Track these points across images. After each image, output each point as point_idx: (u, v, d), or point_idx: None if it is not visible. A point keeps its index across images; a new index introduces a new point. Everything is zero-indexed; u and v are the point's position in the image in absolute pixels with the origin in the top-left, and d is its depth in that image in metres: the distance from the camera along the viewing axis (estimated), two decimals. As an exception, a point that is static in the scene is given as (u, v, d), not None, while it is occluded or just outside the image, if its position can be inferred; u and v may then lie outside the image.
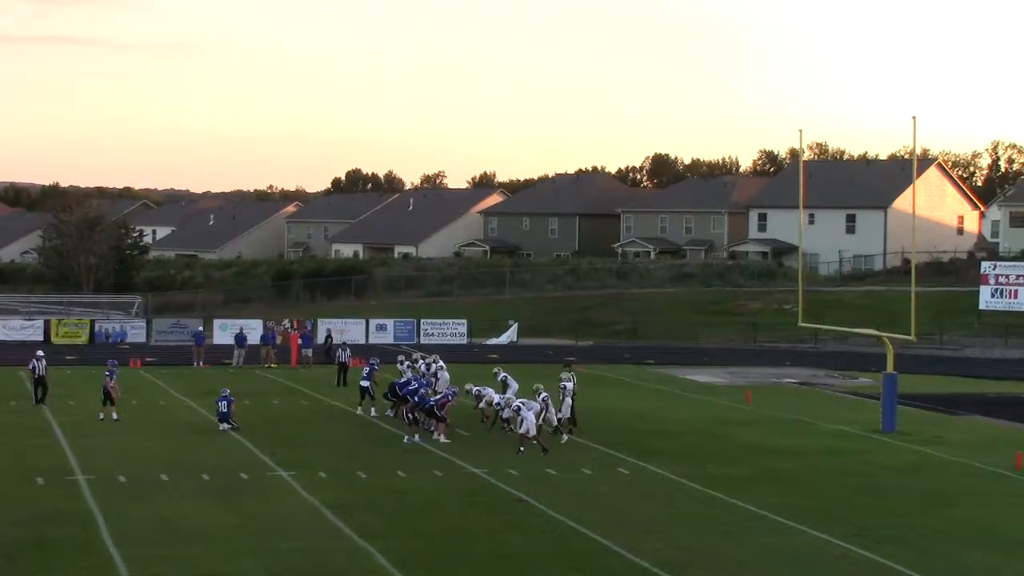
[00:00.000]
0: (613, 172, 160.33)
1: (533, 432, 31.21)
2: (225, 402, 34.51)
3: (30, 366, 39.59)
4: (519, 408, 31.86)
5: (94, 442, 32.10)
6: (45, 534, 22.30)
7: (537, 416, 31.87)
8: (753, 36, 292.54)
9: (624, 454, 31.27)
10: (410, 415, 33.47)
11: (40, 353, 40.01)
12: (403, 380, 36.24)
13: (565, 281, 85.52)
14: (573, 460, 30.34)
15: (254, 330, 57.52)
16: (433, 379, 37.26)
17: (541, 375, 49.87)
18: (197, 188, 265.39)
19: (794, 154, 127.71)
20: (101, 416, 35.77)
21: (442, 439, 32.56)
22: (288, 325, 59.30)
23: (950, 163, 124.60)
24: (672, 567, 20.79)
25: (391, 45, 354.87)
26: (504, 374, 36.46)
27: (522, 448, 30.99)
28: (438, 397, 33.65)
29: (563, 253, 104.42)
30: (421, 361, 39.16)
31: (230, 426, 34.06)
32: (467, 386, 35.86)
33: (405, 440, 32.49)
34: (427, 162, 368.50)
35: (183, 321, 65.03)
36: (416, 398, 33.52)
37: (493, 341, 64.43)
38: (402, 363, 39.10)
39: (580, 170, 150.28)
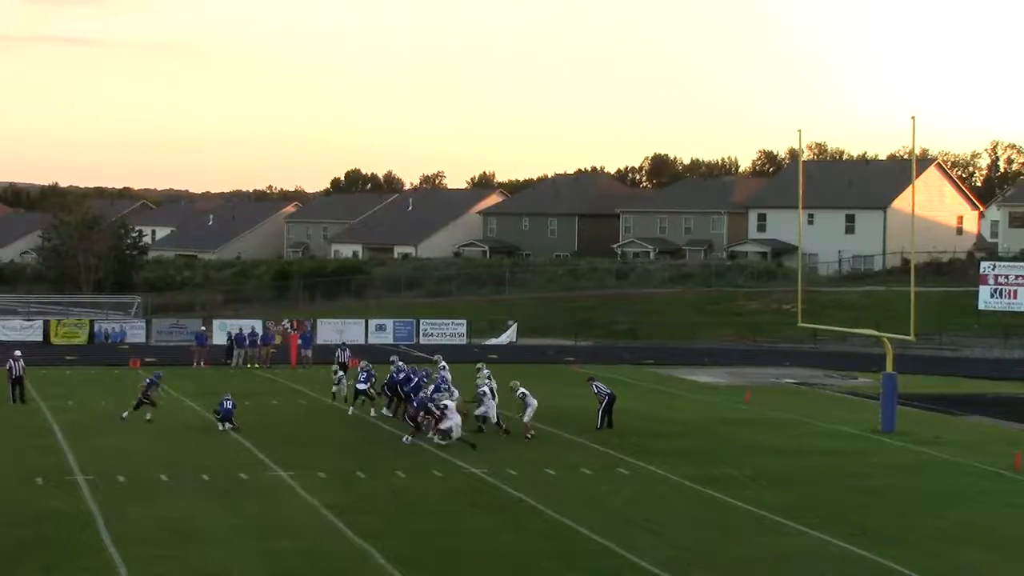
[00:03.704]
0: (612, 172, 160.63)
1: (494, 419, 32.89)
2: (229, 402, 34.54)
3: (7, 366, 39.50)
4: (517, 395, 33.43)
5: (94, 442, 32.08)
6: (45, 534, 22.29)
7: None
8: (753, 36, 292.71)
9: (624, 454, 31.28)
10: (412, 420, 33.44)
11: (17, 353, 39.85)
12: (402, 377, 36.23)
13: (564, 281, 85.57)
14: (573, 460, 30.36)
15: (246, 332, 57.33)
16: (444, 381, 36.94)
17: (540, 375, 50.04)
18: (196, 188, 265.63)
19: (793, 154, 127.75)
20: (125, 415, 35.56)
21: (436, 439, 32.59)
22: (288, 325, 59.30)
23: (949, 163, 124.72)
24: (672, 567, 20.79)
25: (391, 45, 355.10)
26: (523, 390, 34.66)
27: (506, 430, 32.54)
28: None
29: (562, 253, 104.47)
30: (443, 362, 39.03)
31: (231, 426, 34.06)
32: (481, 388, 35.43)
33: (404, 440, 32.44)
34: (427, 162, 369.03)
35: (183, 321, 65.02)
36: (415, 402, 33.60)
37: (493, 341, 64.43)
38: (394, 363, 38.85)
39: (579, 170, 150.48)
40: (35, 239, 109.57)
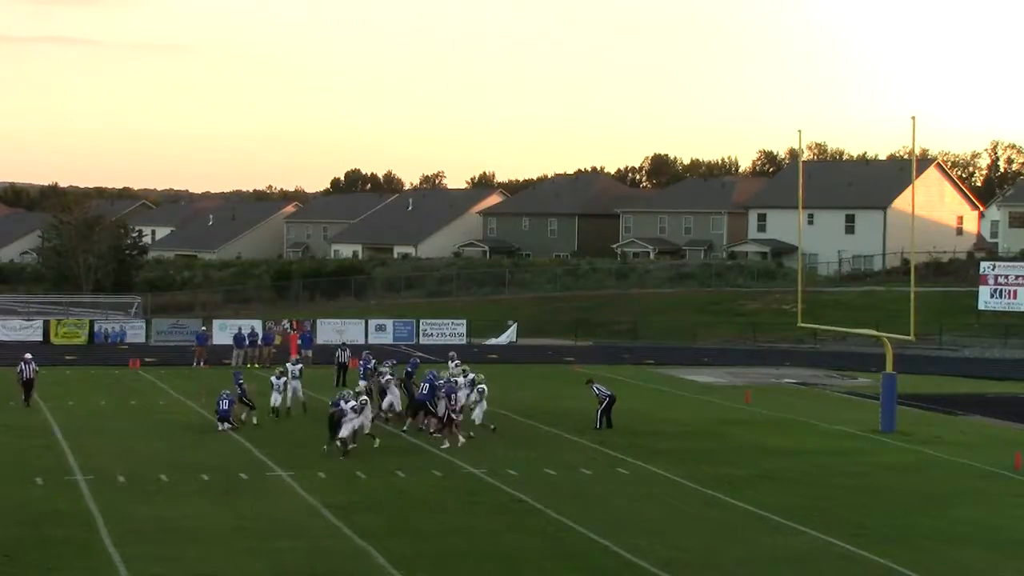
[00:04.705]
0: (612, 172, 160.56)
1: (398, 406, 32.97)
2: (226, 400, 34.42)
3: (17, 369, 39.19)
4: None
5: (94, 442, 32.08)
6: (45, 534, 22.28)
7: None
8: (753, 36, 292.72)
9: (624, 454, 31.28)
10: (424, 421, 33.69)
11: (28, 356, 39.51)
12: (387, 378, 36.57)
13: (564, 281, 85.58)
14: (573, 460, 30.36)
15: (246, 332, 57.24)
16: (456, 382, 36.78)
17: (540, 375, 50.07)
18: (196, 188, 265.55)
19: (793, 154, 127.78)
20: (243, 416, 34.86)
21: (435, 435, 32.75)
22: (287, 325, 59.32)
23: (949, 163, 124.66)
24: (672, 567, 20.79)
25: (390, 45, 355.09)
26: (483, 387, 34.52)
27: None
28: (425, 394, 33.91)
29: (562, 253, 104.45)
30: (453, 365, 38.91)
31: (230, 426, 34.03)
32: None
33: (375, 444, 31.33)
34: (427, 162, 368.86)
35: (182, 321, 65.02)
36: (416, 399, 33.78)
37: (492, 341, 64.44)
38: (368, 362, 38.69)
39: (579, 170, 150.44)
40: (35, 239, 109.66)
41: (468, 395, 34.67)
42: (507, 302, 78.30)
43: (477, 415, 33.92)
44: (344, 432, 30.16)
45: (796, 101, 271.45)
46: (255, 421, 34.89)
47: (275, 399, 36.41)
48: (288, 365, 37.89)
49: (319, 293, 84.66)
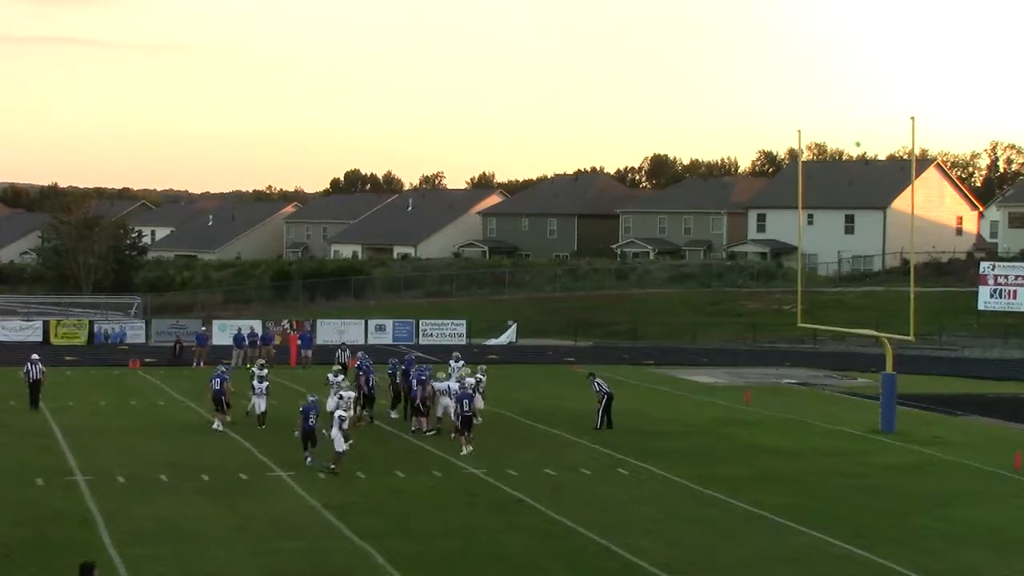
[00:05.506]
0: (612, 173, 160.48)
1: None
2: (218, 380, 34.12)
3: (24, 370, 39.06)
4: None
5: (94, 442, 32.09)
6: (45, 534, 22.30)
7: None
8: (753, 36, 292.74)
9: (624, 454, 31.28)
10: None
11: (35, 356, 39.35)
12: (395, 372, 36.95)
13: (564, 282, 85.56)
14: (573, 460, 30.35)
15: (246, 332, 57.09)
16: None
17: (540, 375, 50.08)
18: (196, 189, 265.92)
19: (793, 154, 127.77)
20: (215, 424, 34.13)
21: (429, 434, 32.76)
22: (287, 325, 59.29)
23: (949, 163, 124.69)
24: (672, 567, 20.79)
25: (390, 45, 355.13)
26: (471, 379, 34.09)
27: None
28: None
29: (562, 254, 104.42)
30: (455, 363, 38.96)
31: (225, 420, 33.96)
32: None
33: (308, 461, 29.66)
34: (426, 162, 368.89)
35: (182, 322, 64.98)
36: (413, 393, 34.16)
37: (492, 341, 64.43)
38: (368, 361, 38.60)
39: (579, 171, 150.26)
40: (35, 239, 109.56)
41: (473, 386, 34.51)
42: (507, 302, 78.27)
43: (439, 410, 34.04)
44: (340, 447, 29.34)
45: (795, 101, 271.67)
46: (228, 419, 34.80)
47: (259, 405, 35.32)
48: (254, 369, 36.92)
49: (319, 293, 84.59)
